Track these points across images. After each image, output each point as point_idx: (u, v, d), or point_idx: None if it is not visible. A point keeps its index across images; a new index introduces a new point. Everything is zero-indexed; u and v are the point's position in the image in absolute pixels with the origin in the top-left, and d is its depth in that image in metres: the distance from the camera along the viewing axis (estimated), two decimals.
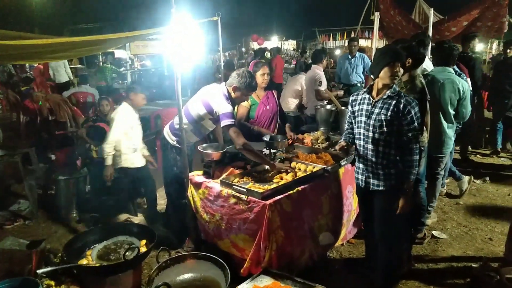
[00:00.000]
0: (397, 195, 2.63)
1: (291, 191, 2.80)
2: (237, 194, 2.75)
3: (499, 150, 6.27)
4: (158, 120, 5.81)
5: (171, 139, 3.37)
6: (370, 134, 2.61)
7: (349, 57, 6.71)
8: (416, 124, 2.52)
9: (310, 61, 7.74)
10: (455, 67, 4.20)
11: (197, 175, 3.17)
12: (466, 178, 4.69)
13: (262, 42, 17.33)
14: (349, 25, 16.27)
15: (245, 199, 2.69)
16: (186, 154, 3.15)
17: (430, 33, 6.60)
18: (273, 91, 4.18)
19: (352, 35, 13.37)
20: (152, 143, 5.25)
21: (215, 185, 2.95)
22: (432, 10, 6.77)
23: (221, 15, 6.11)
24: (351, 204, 3.50)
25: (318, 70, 5.50)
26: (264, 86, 4.00)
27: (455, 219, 4.13)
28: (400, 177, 2.61)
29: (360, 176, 2.78)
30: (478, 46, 11.46)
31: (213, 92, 3.19)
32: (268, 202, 2.60)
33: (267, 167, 3.15)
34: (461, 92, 3.52)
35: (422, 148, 3.15)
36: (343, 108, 4.26)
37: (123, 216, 3.95)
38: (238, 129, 3.08)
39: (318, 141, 4.03)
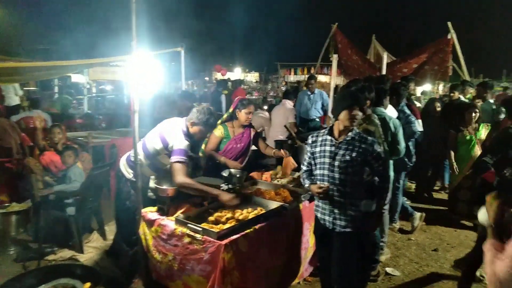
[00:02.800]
0: (360, 237, 2.70)
1: (248, 230, 2.74)
2: (192, 233, 2.65)
3: (447, 186, 6.62)
4: (113, 149, 5.59)
5: (127, 172, 3.24)
6: (336, 175, 2.65)
7: (309, 93, 6.95)
8: (381, 161, 2.66)
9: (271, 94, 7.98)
10: (404, 107, 4.47)
11: (150, 212, 3.03)
12: (417, 215, 4.87)
13: (225, 73, 17.53)
14: (309, 60, 16.97)
15: (200, 238, 2.60)
16: (141, 189, 3.02)
17: (384, 72, 7.02)
18: (251, 130, 4.11)
19: (312, 71, 13.92)
20: (105, 175, 5.01)
21: (169, 223, 2.83)
22: (386, 53, 7.21)
23: (184, 46, 6.19)
24: (308, 241, 3.49)
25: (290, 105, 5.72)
26: (246, 124, 4.00)
27: (407, 255, 4.23)
28: (365, 219, 2.71)
29: (326, 218, 2.77)
30: (426, 87, 12.33)
31: (171, 126, 3.13)
32: (223, 242, 2.52)
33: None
34: (392, 129, 3.69)
35: None
36: (301, 143, 4.35)
37: (67, 254, 3.66)
38: (185, 167, 2.94)
39: (277, 176, 4.05)
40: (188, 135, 3.10)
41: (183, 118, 3.23)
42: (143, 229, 2.99)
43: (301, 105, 6.98)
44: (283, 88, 14.46)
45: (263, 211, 3.01)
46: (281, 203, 3.13)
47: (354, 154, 2.60)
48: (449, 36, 8.16)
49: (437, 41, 8.66)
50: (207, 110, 3.13)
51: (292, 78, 18.04)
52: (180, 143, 2.98)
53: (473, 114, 5.00)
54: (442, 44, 8.44)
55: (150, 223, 2.93)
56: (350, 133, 2.66)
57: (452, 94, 6.23)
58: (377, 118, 3.63)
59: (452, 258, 4.09)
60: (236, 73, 20.81)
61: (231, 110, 4.06)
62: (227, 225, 2.71)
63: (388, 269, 3.85)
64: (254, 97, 14.82)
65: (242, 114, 3.91)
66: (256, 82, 21.64)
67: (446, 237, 4.81)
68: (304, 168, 2.95)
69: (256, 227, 2.81)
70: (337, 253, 2.74)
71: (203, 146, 4.06)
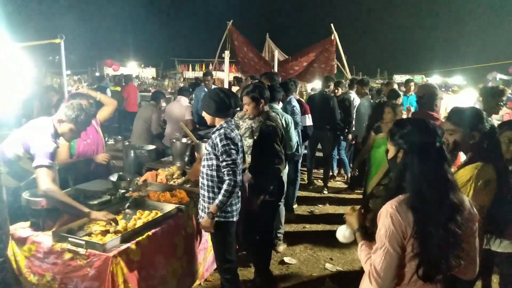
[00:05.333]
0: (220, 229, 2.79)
1: (140, 237, 2.55)
2: (74, 248, 2.35)
3: (335, 175, 7.24)
4: None
5: None
6: (203, 169, 2.78)
7: (205, 90, 6.87)
8: (225, 155, 2.60)
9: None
10: (292, 99, 4.72)
11: (21, 228, 2.61)
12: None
13: (118, 68, 16.41)
14: (207, 56, 16.90)
15: (84, 253, 2.32)
16: (6, 203, 2.57)
17: (276, 70, 7.33)
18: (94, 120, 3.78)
19: (210, 67, 13.88)
20: None
21: (45, 238, 2.46)
22: (277, 51, 7.53)
23: (64, 38, 5.52)
24: (207, 241, 3.42)
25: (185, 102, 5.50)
26: None
27: (303, 243, 4.48)
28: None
29: (201, 213, 2.86)
30: (316, 84, 13.29)
31: (35, 126, 2.72)
32: (111, 253, 2.30)
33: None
34: (284, 125, 3.85)
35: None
36: (198, 141, 4.25)
37: None
38: (52, 172, 2.57)
39: (174, 176, 3.88)
40: (56, 135, 2.74)
41: (51, 117, 2.84)
42: (12, 249, 2.55)
43: (198, 101, 6.88)
44: (181, 85, 14.11)
45: (159, 215, 2.85)
46: (177, 205, 3.01)
47: (208, 148, 2.73)
48: (332, 37, 8.91)
49: (322, 41, 9.39)
50: (77, 105, 2.79)
51: (190, 74, 17.76)
52: (44, 144, 2.59)
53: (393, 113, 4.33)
54: (327, 44, 9.19)
55: (21, 241, 2.52)
56: (214, 129, 2.76)
57: (336, 91, 6.77)
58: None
59: None
60: (130, 68, 19.57)
61: None
62: (114, 235, 2.47)
63: (285, 258, 4.01)
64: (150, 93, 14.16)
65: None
66: (153, 78, 20.70)
67: (336, 221, 5.22)
68: None
69: (150, 233, 2.64)
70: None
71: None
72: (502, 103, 3.73)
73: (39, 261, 2.46)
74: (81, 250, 2.33)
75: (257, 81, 4.55)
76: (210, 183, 2.75)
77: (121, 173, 3.27)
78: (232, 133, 2.70)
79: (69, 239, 2.38)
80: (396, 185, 1.62)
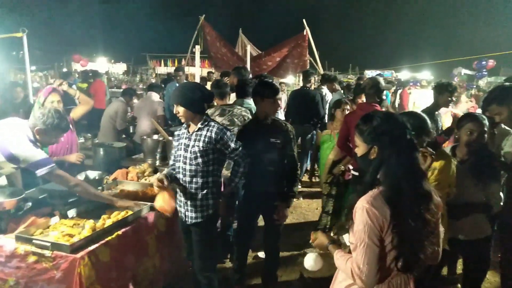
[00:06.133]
0: (212, 226, 2.75)
1: (110, 237, 2.48)
2: (39, 250, 2.26)
3: (308, 169, 7.33)
4: None
5: None
6: (187, 167, 2.64)
7: (177, 85, 6.75)
8: (232, 145, 2.66)
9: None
10: None
11: None
12: None
13: (86, 64, 15.85)
14: (179, 51, 16.63)
15: (50, 255, 2.24)
16: None
17: (248, 65, 7.30)
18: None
19: (183, 62, 13.66)
20: None
21: (8, 241, 2.35)
22: (249, 46, 7.49)
23: (27, 31, 5.27)
24: (182, 239, 3.37)
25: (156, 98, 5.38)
26: None
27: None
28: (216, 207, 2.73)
29: (182, 210, 2.76)
30: (289, 79, 13.34)
31: (11, 134, 2.55)
32: (79, 255, 2.22)
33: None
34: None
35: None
36: (170, 138, 4.18)
37: None
38: (60, 171, 2.65)
39: (145, 174, 3.81)
40: (36, 142, 2.63)
41: (25, 121, 2.70)
42: None
43: (170, 97, 6.75)
44: (153, 80, 13.81)
45: (129, 213, 2.78)
46: (148, 203, 2.94)
47: (201, 144, 2.61)
48: (304, 32, 8.95)
49: (295, 36, 9.41)
50: (55, 113, 2.69)
51: (162, 70, 17.43)
52: (34, 154, 2.54)
53: (342, 112, 4.51)
54: (299, 39, 9.21)
55: None
56: (199, 124, 2.65)
57: (308, 84, 6.82)
58: (244, 110, 3.73)
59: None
60: (100, 64, 18.94)
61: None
62: (83, 235, 2.39)
63: (259, 254, 4.02)
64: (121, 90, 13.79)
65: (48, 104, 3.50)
66: (124, 73, 20.15)
67: (309, 215, 5.30)
68: (170, 162, 2.91)
69: (120, 232, 2.57)
70: (195, 245, 2.78)
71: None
72: (452, 99, 3.99)
73: (1, 266, 2.35)
74: (47, 252, 2.24)
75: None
76: (204, 179, 2.65)
77: (88, 171, 3.16)
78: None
79: (34, 241, 2.29)
80: (372, 181, 1.63)
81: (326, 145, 4.61)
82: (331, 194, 4.41)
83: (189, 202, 2.68)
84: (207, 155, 2.62)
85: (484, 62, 13.31)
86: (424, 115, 2.37)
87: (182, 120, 2.70)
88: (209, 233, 2.77)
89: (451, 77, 14.31)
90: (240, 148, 2.71)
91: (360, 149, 1.70)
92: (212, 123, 2.67)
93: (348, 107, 4.59)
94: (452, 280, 3.39)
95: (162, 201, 2.62)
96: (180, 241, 3.34)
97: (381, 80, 3.93)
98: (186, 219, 2.73)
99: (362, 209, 1.55)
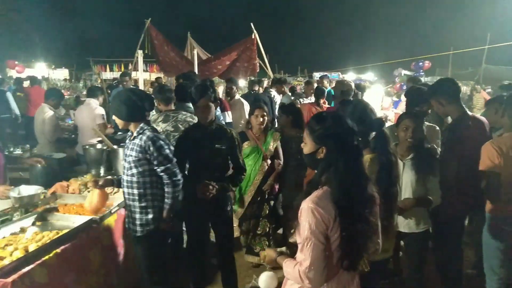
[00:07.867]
0: (155, 241, 2.63)
1: (47, 256, 2.31)
2: None
3: None
4: None
5: None
6: (125, 177, 2.55)
7: None
8: (161, 157, 2.49)
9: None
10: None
11: None
12: None
13: (23, 70, 14.78)
14: (125, 56, 16.04)
15: None
16: None
17: (196, 69, 7.23)
18: None
19: (130, 67, 13.20)
20: None
21: None
22: (197, 49, 7.42)
23: None
24: (130, 251, 3.23)
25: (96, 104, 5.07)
26: None
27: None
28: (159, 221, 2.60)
29: (127, 221, 2.67)
30: (241, 82, 13.38)
31: None
32: (10, 279, 2.04)
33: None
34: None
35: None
36: (115, 147, 4.00)
37: None
38: None
39: (88, 186, 3.60)
40: None
41: None
42: None
43: None
44: (99, 86, 13.18)
45: (63, 232, 2.59)
46: (90, 217, 2.78)
47: (134, 154, 2.50)
48: (253, 36, 9.04)
49: (243, 40, 9.48)
50: None
51: (108, 75, 16.72)
52: None
53: (259, 118, 3.81)
54: (248, 43, 9.29)
55: None
56: (135, 132, 2.54)
57: (257, 88, 6.89)
58: (190, 115, 3.64)
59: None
60: (39, 70, 17.68)
61: None
62: (15, 257, 2.20)
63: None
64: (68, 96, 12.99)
65: None
66: (65, 79, 19.02)
67: None
68: None
69: (58, 250, 2.40)
70: (137, 260, 2.72)
71: None
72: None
73: None
74: None
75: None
76: (141, 191, 2.53)
77: (22, 186, 2.93)
78: (158, 133, 2.56)
79: None
80: (318, 181, 1.66)
81: (248, 159, 3.71)
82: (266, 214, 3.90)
83: (129, 214, 2.60)
84: (142, 165, 2.50)
85: (421, 63, 14.18)
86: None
87: (120, 127, 2.60)
88: (152, 248, 2.64)
89: (392, 77, 15.11)
90: (169, 165, 2.51)
91: (307, 146, 1.72)
92: (146, 131, 2.51)
93: (264, 113, 3.91)
94: (396, 271, 3.54)
95: (90, 200, 2.51)
96: (130, 253, 3.21)
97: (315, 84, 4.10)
98: (131, 231, 2.63)
99: (308, 209, 1.57)
